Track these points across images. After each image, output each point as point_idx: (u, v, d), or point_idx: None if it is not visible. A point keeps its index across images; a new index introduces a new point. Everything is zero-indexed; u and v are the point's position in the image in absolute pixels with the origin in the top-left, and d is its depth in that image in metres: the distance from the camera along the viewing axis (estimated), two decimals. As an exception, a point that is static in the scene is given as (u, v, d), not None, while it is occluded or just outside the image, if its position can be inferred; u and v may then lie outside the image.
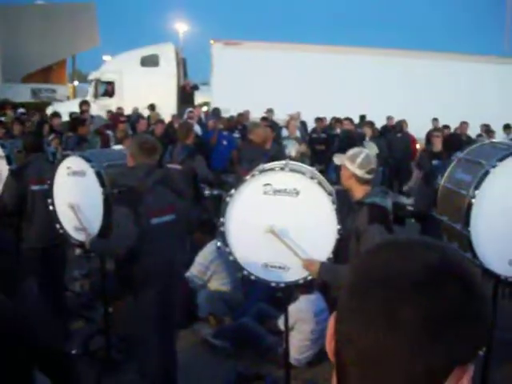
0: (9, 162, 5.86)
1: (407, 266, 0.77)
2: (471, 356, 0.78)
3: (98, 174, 4.25)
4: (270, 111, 14.35)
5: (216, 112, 13.54)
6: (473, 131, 13.44)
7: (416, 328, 0.74)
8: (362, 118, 14.52)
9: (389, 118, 14.63)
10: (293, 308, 4.62)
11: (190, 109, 14.52)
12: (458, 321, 0.75)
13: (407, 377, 0.75)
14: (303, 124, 14.20)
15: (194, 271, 5.84)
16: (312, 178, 3.36)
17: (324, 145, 12.60)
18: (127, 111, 16.27)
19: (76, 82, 37.60)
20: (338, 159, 3.85)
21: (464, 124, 12.68)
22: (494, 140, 5.60)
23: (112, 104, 17.99)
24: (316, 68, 17.68)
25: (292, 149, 8.43)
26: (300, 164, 3.87)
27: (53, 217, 4.63)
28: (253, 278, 3.55)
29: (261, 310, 5.60)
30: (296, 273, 3.47)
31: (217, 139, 10.47)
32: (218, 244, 5.41)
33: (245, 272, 3.54)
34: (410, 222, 7.89)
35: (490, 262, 3.66)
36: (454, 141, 6.34)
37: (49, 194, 4.63)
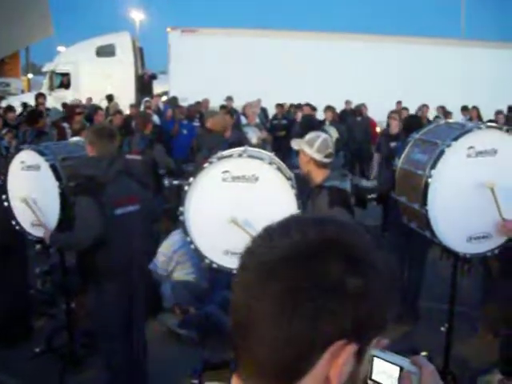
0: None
1: (282, 241, 0.80)
2: (353, 334, 0.77)
3: (53, 168, 4.15)
4: (229, 99, 14.28)
5: (173, 101, 13.39)
6: (433, 114, 13.67)
7: (280, 298, 0.76)
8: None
9: (347, 102, 14.75)
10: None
11: (148, 98, 14.35)
12: (323, 295, 0.75)
13: (276, 351, 0.76)
14: (264, 111, 14.20)
15: (157, 262, 5.79)
16: (270, 163, 3.35)
17: (285, 131, 12.64)
18: (84, 102, 15.96)
19: (30, 75, 36.64)
20: (295, 144, 3.87)
21: (425, 107, 12.85)
22: (449, 120, 5.69)
23: (68, 96, 17.64)
24: (275, 54, 17.66)
25: (253, 136, 8.42)
26: (258, 150, 3.87)
27: (9, 213, 4.51)
28: (214, 266, 3.54)
29: (225, 297, 5.60)
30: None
31: (177, 129, 10.37)
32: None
33: (206, 260, 3.53)
34: (372, 205, 8.01)
35: (448, 240, 3.74)
36: (413, 122, 6.40)
37: (2, 189, 4.51)
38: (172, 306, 5.67)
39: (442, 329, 4.04)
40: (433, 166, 3.58)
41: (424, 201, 3.63)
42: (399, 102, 14.72)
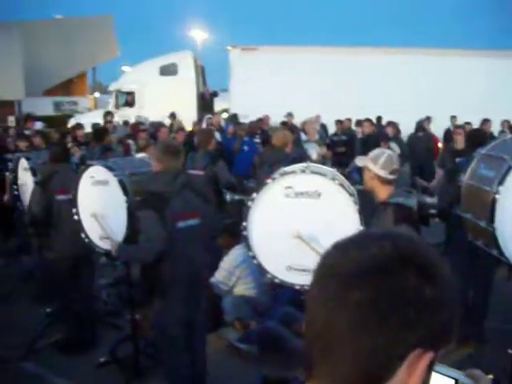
0: (33, 174, 5.97)
1: (360, 253, 0.82)
2: (430, 343, 0.79)
3: (121, 183, 4.30)
4: (289, 115, 14.35)
5: (234, 118, 13.58)
6: (494, 128, 13.27)
7: (363, 309, 0.78)
8: (379, 119, 14.44)
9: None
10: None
11: (209, 115, 14.60)
12: (406, 305, 0.78)
13: (356, 360, 0.78)
14: (323, 127, 14.17)
15: (219, 277, 5.86)
16: (333, 179, 3.36)
17: (344, 147, 12.57)
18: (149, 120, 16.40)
19: (97, 94, 38.07)
20: (360, 161, 3.85)
21: (486, 121, 12.50)
22: (517, 135, 5.52)
23: (133, 114, 18.19)
24: (334, 70, 17.64)
25: (313, 152, 8.43)
26: (321, 166, 3.87)
27: (79, 226, 4.71)
28: (277, 281, 3.55)
29: (287, 313, 5.60)
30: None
31: (239, 145, 10.50)
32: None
33: (269, 275, 3.55)
34: (435, 222, 7.82)
35: (517, 259, 3.61)
36: (478, 137, 6.23)
37: (73, 203, 4.71)
38: (233, 320, 5.71)
39: (510, 351, 3.90)
40: (500, 182, 3.49)
41: (491, 218, 3.53)
42: (454, 117, 14.40)
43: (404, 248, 0.83)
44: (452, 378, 0.85)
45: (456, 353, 5.07)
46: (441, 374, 0.86)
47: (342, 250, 0.86)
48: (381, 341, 0.77)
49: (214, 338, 5.49)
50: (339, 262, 0.83)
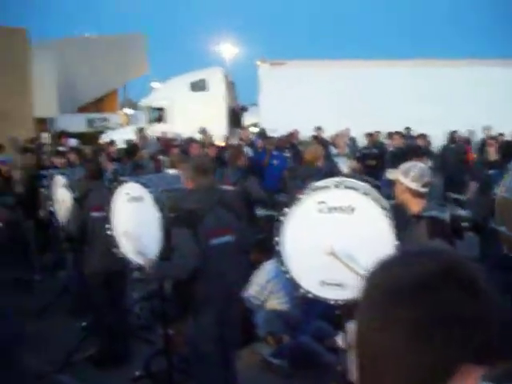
0: (69, 191, 6.09)
1: (406, 271, 0.82)
2: (477, 358, 0.79)
3: (156, 199, 4.35)
4: (318, 129, 14.37)
5: (263, 132, 13.65)
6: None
7: (410, 327, 0.78)
8: (407, 130, 14.33)
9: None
10: (352, 325, 4.58)
11: (239, 130, 14.69)
12: (452, 322, 0.78)
13: (404, 376, 0.79)
14: (353, 140, 14.14)
15: (251, 291, 5.87)
16: (366, 193, 3.34)
17: (375, 160, 12.49)
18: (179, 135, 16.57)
19: (127, 110, 38.67)
20: (391, 174, 3.85)
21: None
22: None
23: (164, 129, 18.40)
24: (363, 83, 17.60)
25: (343, 165, 8.41)
26: (353, 180, 3.86)
27: (112, 242, 4.78)
28: (310, 296, 3.54)
29: (319, 328, 5.57)
30: (354, 290, 3.42)
31: (268, 159, 10.55)
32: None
33: (302, 290, 3.54)
34: (469, 235, 7.69)
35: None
36: (511, 148, 6.16)
37: (108, 219, 4.78)
38: (265, 335, 5.71)
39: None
40: (537, 195, 3.44)
41: (528, 231, 3.48)
42: (487, 128, 14.21)
43: (447, 264, 0.83)
44: None
45: (498, 369, 4.97)
46: None
47: (386, 268, 0.87)
48: (428, 358, 0.77)
49: (246, 353, 5.49)
50: (384, 281, 0.84)
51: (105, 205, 4.91)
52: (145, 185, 4.47)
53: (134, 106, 40.32)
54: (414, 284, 0.81)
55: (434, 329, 0.78)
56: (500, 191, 4.00)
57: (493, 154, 7.45)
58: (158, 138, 15.25)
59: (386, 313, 0.80)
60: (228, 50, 39.81)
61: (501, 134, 12.40)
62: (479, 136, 14.53)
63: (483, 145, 11.42)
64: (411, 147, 10.80)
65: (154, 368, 5.24)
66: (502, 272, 5.14)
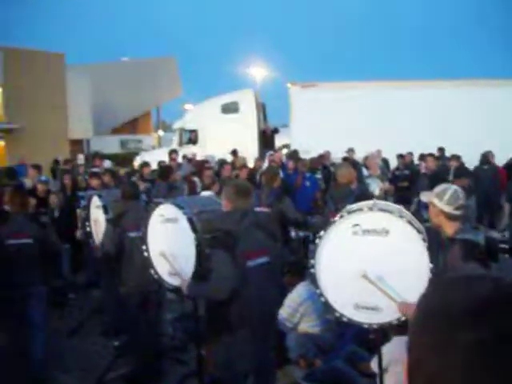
0: (105, 211, 6.22)
1: (461, 296, 0.83)
2: None
3: (191, 221, 4.41)
4: (350, 150, 14.37)
5: (294, 154, 13.72)
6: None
7: (469, 353, 0.78)
8: (441, 150, 14.22)
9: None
10: (386, 349, 4.53)
11: (271, 152, 14.77)
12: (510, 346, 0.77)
13: None
14: (385, 161, 14.10)
15: (283, 313, 5.85)
16: (401, 216, 3.34)
17: (407, 181, 12.42)
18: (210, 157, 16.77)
19: (161, 132, 39.29)
20: (425, 197, 3.85)
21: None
22: None
23: (196, 151, 18.62)
24: (394, 104, 17.57)
25: (375, 187, 8.38)
26: (387, 203, 3.86)
27: (148, 263, 4.85)
28: (345, 319, 3.53)
29: (353, 352, 5.51)
30: (389, 314, 3.41)
31: (300, 181, 10.58)
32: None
33: (336, 314, 3.54)
34: (504, 258, 7.55)
35: None
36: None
37: (143, 240, 4.86)
38: (297, 357, 5.68)
39: None
40: None
41: None
42: None
43: (507, 288, 0.83)
44: None
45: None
46: None
47: (443, 290, 0.87)
48: (490, 382, 0.77)
49: (278, 375, 5.46)
50: (440, 304, 0.84)
51: (141, 225, 5.00)
52: (179, 206, 4.53)
53: (167, 127, 40.96)
54: (478, 307, 0.81)
55: (495, 354, 0.77)
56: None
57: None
58: (190, 160, 15.43)
59: (450, 336, 0.80)
60: (258, 72, 40.20)
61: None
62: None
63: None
64: (444, 169, 10.73)
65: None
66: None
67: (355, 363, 5.33)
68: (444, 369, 0.80)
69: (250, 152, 17.90)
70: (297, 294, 5.83)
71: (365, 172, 10.86)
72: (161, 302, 5.97)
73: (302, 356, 5.66)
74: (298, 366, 5.62)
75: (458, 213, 3.68)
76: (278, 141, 21.57)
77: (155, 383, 5.60)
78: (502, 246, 6.64)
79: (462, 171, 10.18)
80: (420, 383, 0.84)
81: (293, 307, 5.82)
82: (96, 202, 6.50)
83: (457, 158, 11.95)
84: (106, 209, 6.19)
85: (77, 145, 30.91)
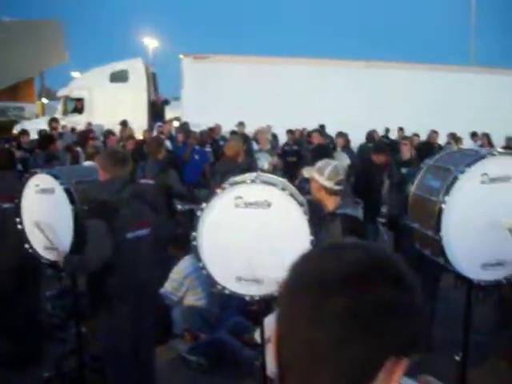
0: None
1: (335, 264, 0.82)
2: (405, 350, 0.81)
3: (67, 191, 4.16)
4: (240, 124, 14.38)
5: (185, 127, 13.51)
6: (441, 140, 13.69)
7: (343, 320, 0.77)
8: (322, 127, 14.62)
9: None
10: (269, 320, 4.59)
11: (160, 124, 14.48)
12: (385, 313, 0.78)
13: (336, 369, 0.78)
14: (274, 136, 14.27)
15: (168, 287, 5.77)
16: (283, 189, 3.35)
17: (296, 157, 12.68)
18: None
19: (45, 100, 37.18)
20: (306, 172, 3.90)
21: (434, 133, 12.88)
22: (462, 147, 5.69)
23: (82, 121, 17.84)
24: (285, 80, 17.83)
25: (265, 161, 8.45)
26: (271, 176, 3.87)
27: (22, 236, 4.53)
28: (227, 292, 3.51)
29: (237, 323, 5.56)
30: (270, 285, 3.44)
31: (189, 154, 10.45)
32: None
33: (218, 286, 3.51)
34: (384, 231, 7.96)
35: (462, 267, 3.69)
36: (427, 149, 6.43)
37: (17, 212, 4.54)
38: (182, 331, 5.64)
39: (457, 358, 3.98)
40: (446, 193, 3.56)
41: (438, 227, 3.60)
42: (401, 129, 14.82)
43: (379, 257, 0.84)
44: None
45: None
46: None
47: (313, 259, 0.86)
48: (362, 350, 0.77)
49: (163, 350, 5.41)
50: (314, 272, 0.82)
51: (15, 196, 4.66)
52: (55, 176, 4.26)
53: (52, 95, 38.86)
54: (349, 275, 0.80)
55: (370, 320, 0.77)
56: (413, 189, 4.12)
57: (406, 153, 7.72)
58: (73, 129, 14.74)
59: (321, 304, 0.78)
60: (150, 42, 39.13)
61: (416, 135, 12.89)
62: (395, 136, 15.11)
63: (397, 144, 11.84)
64: (328, 145, 11.06)
65: (66, 368, 5.04)
66: (414, 267, 5.34)
67: (239, 334, 5.38)
68: (317, 334, 0.78)
69: (139, 123, 17.41)
70: (182, 268, 5.76)
71: (255, 146, 10.93)
72: (39, 279, 5.64)
73: (187, 330, 5.62)
74: (183, 340, 5.59)
75: (337, 188, 3.77)
76: (169, 113, 21.18)
77: (34, 364, 5.31)
78: (381, 220, 6.98)
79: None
80: (291, 349, 0.81)
81: (178, 280, 5.75)
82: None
83: (343, 135, 12.32)
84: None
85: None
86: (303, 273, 0.84)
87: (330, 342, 0.77)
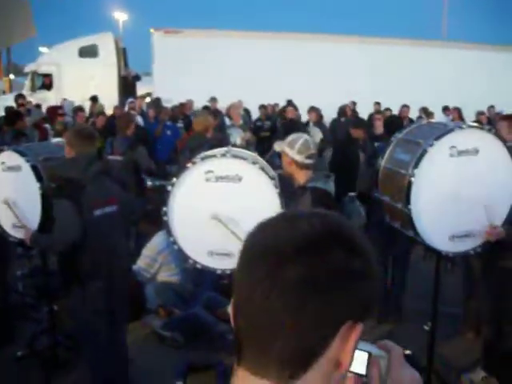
0: None
1: (290, 233, 0.82)
2: (359, 315, 0.82)
3: (34, 168, 4.09)
4: (213, 100, 14.25)
5: (156, 102, 13.33)
6: (414, 115, 13.78)
7: (299, 287, 0.78)
8: (289, 102, 14.56)
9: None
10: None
11: (131, 99, 14.27)
12: (340, 279, 0.79)
13: (293, 337, 0.78)
14: (247, 112, 14.20)
15: (141, 264, 5.75)
16: (254, 163, 3.34)
17: (268, 132, 12.65)
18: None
19: (12, 76, 36.21)
20: (278, 146, 3.89)
21: (405, 107, 12.94)
22: (431, 120, 5.74)
23: (50, 97, 17.47)
24: (258, 55, 17.68)
25: (237, 137, 8.42)
26: (242, 150, 3.86)
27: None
28: (198, 266, 3.51)
29: (210, 298, 5.58)
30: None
31: (161, 130, 10.35)
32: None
33: (190, 261, 3.51)
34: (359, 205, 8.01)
35: (431, 239, 3.76)
36: (395, 123, 6.46)
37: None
38: (156, 307, 5.64)
39: (426, 328, 4.06)
40: (415, 166, 3.60)
41: (407, 200, 3.64)
42: (378, 103, 14.86)
43: (332, 225, 0.84)
44: (365, 351, 0.85)
45: (374, 331, 5.26)
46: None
47: (267, 228, 0.85)
48: (316, 316, 0.78)
49: (137, 326, 5.41)
50: (269, 242, 0.82)
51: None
52: (21, 153, 4.19)
53: (19, 71, 37.85)
54: (303, 244, 0.80)
55: (324, 286, 0.78)
56: (383, 163, 4.15)
57: (379, 127, 7.74)
58: (38, 105, 14.42)
59: (276, 273, 0.79)
60: (120, 15, 38.28)
61: (387, 109, 12.95)
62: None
63: (370, 119, 11.88)
64: (299, 121, 11.06)
65: (39, 346, 5.01)
66: (384, 239, 5.41)
67: (213, 309, 5.40)
68: (273, 303, 0.79)
69: (109, 99, 17.13)
70: (155, 244, 5.74)
71: (227, 122, 10.86)
72: (8, 258, 5.56)
73: (161, 305, 5.62)
74: (158, 316, 5.59)
75: (308, 161, 3.76)
76: (141, 89, 20.86)
77: (6, 343, 5.26)
78: (352, 194, 7.02)
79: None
80: (248, 320, 0.82)
81: (151, 257, 5.73)
82: None
83: (315, 109, 12.32)
84: None
85: None
86: (258, 243, 0.83)
87: (286, 310, 0.77)
